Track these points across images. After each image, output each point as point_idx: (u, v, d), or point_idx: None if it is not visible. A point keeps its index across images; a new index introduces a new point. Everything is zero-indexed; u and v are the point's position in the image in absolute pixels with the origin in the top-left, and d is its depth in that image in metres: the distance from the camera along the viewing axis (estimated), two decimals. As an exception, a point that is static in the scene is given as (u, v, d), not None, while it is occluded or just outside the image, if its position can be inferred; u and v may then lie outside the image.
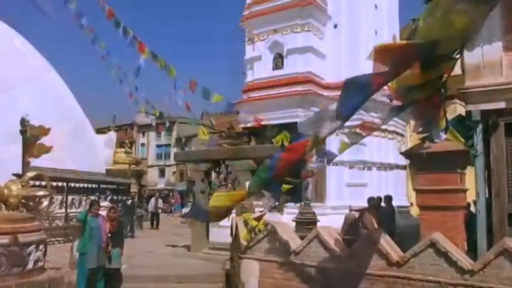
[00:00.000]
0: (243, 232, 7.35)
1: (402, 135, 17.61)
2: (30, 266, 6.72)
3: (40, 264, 6.98)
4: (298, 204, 12.13)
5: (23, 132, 11.55)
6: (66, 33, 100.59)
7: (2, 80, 15.40)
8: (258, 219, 7.21)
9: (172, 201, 43.23)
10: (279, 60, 15.97)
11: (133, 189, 21.57)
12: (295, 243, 6.94)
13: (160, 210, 21.65)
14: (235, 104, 14.55)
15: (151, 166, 50.35)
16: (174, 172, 50.66)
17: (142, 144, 53.92)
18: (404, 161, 14.89)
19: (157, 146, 53.17)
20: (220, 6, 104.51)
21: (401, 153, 14.29)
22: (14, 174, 11.66)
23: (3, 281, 6.23)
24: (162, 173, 52.16)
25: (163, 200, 45.16)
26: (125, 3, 58.31)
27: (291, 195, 13.22)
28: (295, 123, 14.24)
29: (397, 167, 16.19)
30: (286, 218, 10.90)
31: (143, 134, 54.33)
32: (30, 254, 6.77)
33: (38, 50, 20.57)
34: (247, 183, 6.58)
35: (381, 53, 3.73)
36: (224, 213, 6.30)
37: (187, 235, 15.96)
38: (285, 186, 7.05)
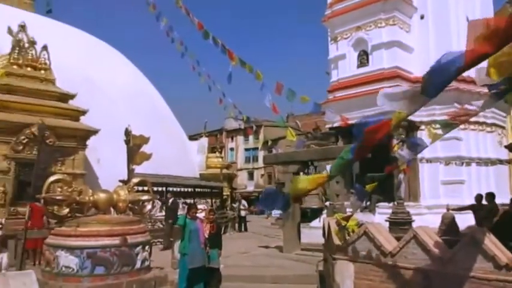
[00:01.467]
0: (335, 231, 7.21)
1: (503, 127, 16.02)
2: (138, 265, 7.25)
3: (146, 263, 7.52)
4: (390, 204, 11.63)
5: (127, 142, 12.61)
6: (158, 47, 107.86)
7: (106, 93, 16.91)
8: (347, 219, 7.04)
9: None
10: (363, 58, 15.48)
11: (226, 192, 22.33)
12: (391, 244, 6.62)
13: (245, 213, 22.07)
14: (321, 104, 14.40)
15: (241, 169, 51.77)
16: (262, 175, 51.58)
17: (232, 149, 55.70)
18: (506, 155, 13.56)
19: (246, 149, 54.59)
20: (303, 6, 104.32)
21: (505, 146, 12.96)
22: (120, 181, 12.76)
23: (116, 278, 6.81)
24: (251, 176, 53.40)
25: (252, 203, 46.35)
26: (205, 5, 60.85)
27: (383, 194, 12.75)
28: (383, 120, 13.73)
29: (500, 162, 14.77)
30: (378, 218, 10.49)
31: (232, 138, 56.14)
32: (138, 254, 7.30)
33: (132, 62, 22.40)
34: (328, 167, 6.45)
35: (476, 27, 3.42)
36: (302, 195, 6.24)
37: (278, 236, 16.11)
38: (370, 185, 6.78)
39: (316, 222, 12.69)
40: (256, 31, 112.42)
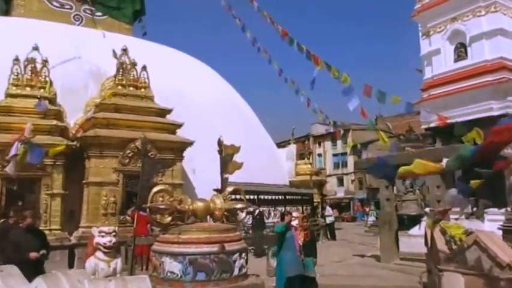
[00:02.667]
0: (439, 238, 6.69)
1: None
2: (236, 272, 7.36)
3: (244, 270, 7.61)
4: (502, 210, 10.53)
5: (220, 152, 13.08)
6: (244, 56, 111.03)
7: (198, 106, 17.75)
8: (452, 227, 6.49)
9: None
10: (461, 51, 14.36)
11: (316, 199, 22.07)
12: (507, 255, 5.96)
13: (332, 219, 21.55)
14: (415, 104, 13.62)
15: (330, 175, 50.90)
16: (352, 180, 50.20)
17: (319, 155, 55.08)
18: None
19: (334, 155, 53.59)
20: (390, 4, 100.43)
21: None
22: (214, 190, 13.25)
23: (216, 285, 6.96)
24: (340, 182, 52.27)
25: (343, 209, 45.30)
26: (286, 9, 61.23)
27: (492, 199, 11.59)
28: (488, 117, 12.54)
29: None
30: (489, 226, 9.55)
31: (319, 144, 55.55)
32: (235, 261, 7.42)
33: (221, 74, 23.33)
34: (444, 161, 6.01)
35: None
36: (410, 175, 6.05)
37: (373, 244, 15.47)
38: (475, 182, 6.20)
39: (416, 230, 11.94)
40: (340, 33, 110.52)
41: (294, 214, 8.68)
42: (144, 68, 13.83)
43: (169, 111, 14.07)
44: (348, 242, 18.82)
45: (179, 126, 13.81)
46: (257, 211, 15.36)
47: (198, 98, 18.18)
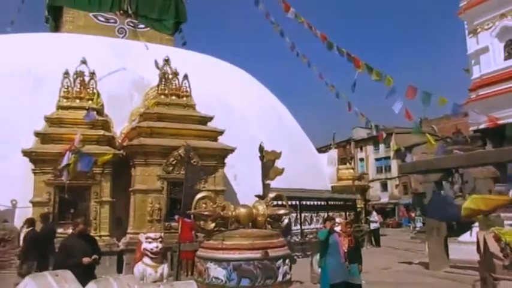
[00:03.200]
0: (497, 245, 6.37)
1: None
2: (280, 278, 7.29)
3: (288, 277, 7.54)
4: None
5: (261, 158, 13.14)
6: (283, 61, 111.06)
7: (239, 113, 17.95)
8: (507, 233, 6.16)
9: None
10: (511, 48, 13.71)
11: (359, 204, 21.64)
12: None
13: (377, 225, 21.01)
14: (463, 105, 13.11)
15: (373, 180, 49.77)
16: (397, 185, 48.85)
17: (361, 159, 54.04)
18: None
19: (376, 159, 52.42)
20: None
21: None
22: (256, 196, 13.29)
23: (260, 291, 6.97)
24: (384, 187, 51.00)
25: (388, 215, 44.06)
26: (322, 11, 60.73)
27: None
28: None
29: None
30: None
31: (361, 148, 54.54)
32: (279, 268, 7.36)
33: (260, 80, 23.50)
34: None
35: None
36: (475, 214, 5.62)
37: (421, 251, 14.97)
38: None
39: (467, 236, 11.44)
40: (378, 34, 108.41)
41: (337, 220, 8.55)
42: (185, 77, 14.15)
43: (210, 118, 14.30)
44: (394, 249, 18.30)
45: (220, 133, 13.99)
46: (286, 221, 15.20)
47: (238, 104, 18.40)
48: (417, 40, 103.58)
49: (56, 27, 23.90)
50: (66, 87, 13.45)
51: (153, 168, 12.70)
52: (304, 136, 22.91)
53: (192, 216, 7.71)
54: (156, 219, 12.41)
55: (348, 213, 18.29)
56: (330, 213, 15.88)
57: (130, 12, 22.95)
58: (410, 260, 13.96)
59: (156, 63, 14.32)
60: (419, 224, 26.19)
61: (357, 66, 13.38)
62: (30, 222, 10.57)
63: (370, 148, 53.10)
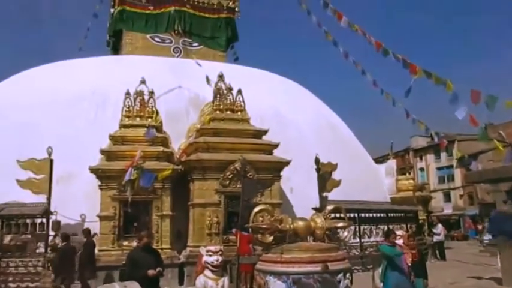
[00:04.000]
0: None
1: None
2: (340, 292, 7.19)
3: (349, 291, 7.41)
4: None
5: (317, 170, 13.07)
6: (335, 71, 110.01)
7: (293, 126, 17.98)
8: None
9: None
10: None
11: (421, 216, 20.75)
12: None
13: (441, 238, 19.93)
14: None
15: (435, 191, 47.51)
16: (461, 195, 46.30)
17: (421, 169, 51.85)
18: None
19: (438, 168, 50.02)
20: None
21: None
22: (313, 208, 13.21)
23: (323, 305, 6.88)
24: (447, 197, 48.51)
25: (452, 227, 41.74)
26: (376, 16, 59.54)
27: None
28: None
29: None
30: None
31: (420, 158, 52.38)
32: (340, 281, 7.24)
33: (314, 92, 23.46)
34: None
35: None
36: None
37: (492, 266, 14.09)
38: None
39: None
40: (433, 36, 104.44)
41: (399, 233, 8.29)
42: (239, 91, 14.47)
43: (265, 132, 14.46)
44: (461, 263, 17.30)
45: (275, 146, 14.08)
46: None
47: (292, 117, 18.49)
48: (477, 42, 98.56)
49: (117, 50, 25.53)
50: (127, 106, 14.20)
51: (210, 182, 13.01)
52: (360, 147, 22.47)
53: (249, 229, 7.81)
54: (214, 232, 12.66)
55: (409, 226, 17.59)
56: (391, 226, 15.40)
57: (184, 31, 24.02)
58: (480, 275, 13.14)
59: (207, 78, 14.77)
60: (488, 237, 24.59)
61: (414, 72, 13.01)
62: (64, 236, 11.33)
63: (430, 157, 50.86)
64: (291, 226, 7.98)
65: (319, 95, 23.52)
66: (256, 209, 7.85)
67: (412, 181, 22.66)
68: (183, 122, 16.53)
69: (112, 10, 25.01)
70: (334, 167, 14.68)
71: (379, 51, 14.33)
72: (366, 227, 16.33)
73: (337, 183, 14.84)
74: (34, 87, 17.76)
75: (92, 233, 12.28)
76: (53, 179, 12.81)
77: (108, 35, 26.32)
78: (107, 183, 12.77)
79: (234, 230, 12.03)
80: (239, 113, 14.44)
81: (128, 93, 14.22)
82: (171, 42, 24.00)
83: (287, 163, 13.73)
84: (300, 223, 8.17)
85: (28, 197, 12.59)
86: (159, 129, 14.23)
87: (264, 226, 7.79)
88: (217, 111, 14.33)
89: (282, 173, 13.86)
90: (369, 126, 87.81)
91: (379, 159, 29.50)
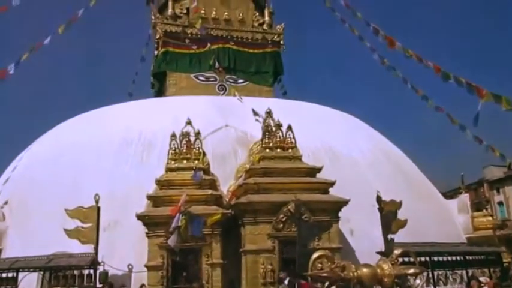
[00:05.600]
0: None
1: None
2: None
3: None
4: None
5: (380, 209, 12.62)
6: (394, 99, 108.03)
7: (349, 161, 17.68)
8: None
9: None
10: None
11: (505, 258, 19.28)
12: None
13: None
14: None
15: (520, 227, 44.28)
16: (554, 232, 42.86)
17: (500, 203, 48.78)
18: None
19: (520, 202, 46.92)
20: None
21: None
22: (377, 253, 12.67)
23: None
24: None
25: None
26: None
27: None
28: None
29: None
30: None
31: (497, 190, 49.43)
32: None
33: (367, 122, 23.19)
34: None
35: None
36: None
37: None
38: None
39: None
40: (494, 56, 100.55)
41: (482, 279, 7.71)
42: (289, 128, 14.51)
43: (319, 169, 14.27)
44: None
45: (331, 184, 13.82)
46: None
47: (347, 152, 18.28)
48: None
49: (161, 92, 26.74)
50: (173, 149, 14.59)
51: (262, 226, 12.87)
52: (426, 181, 21.60)
53: (308, 278, 7.59)
54: (269, 281, 12.37)
55: (492, 270, 16.37)
56: (470, 271, 14.42)
57: (228, 68, 24.84)
58: None
59: (254, 111, 14.91)
60: None
61: (481, 96, 12.55)
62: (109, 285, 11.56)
63: (509, 189, 47.87)
64: (355, 274, 7.67)
65: (376, 127, 23.24)
66: (315, 255, 7.63)
67: (490, 218, 21.31)
68: (231, 163, 16.74)
69: (156, 52, 26.42)
70: (398, 205, 14.14)
71: (438, 75, 14.03)
72: (440, 272, 15.43)
73: (403, 224, 14.24)
74: (83, 133, 18.91)
75: (141, 283, 12.41)
76: (100, 227, 13.16)
77: (152, 77, 27.65)
78: (154, 230, 12.95)
79: (282, 274, 11.62)
80: (290, 150, 14.42)
81: (173, 136, 14.66)
82: (215, 80, 24.86)
83: (345, 202, 13.37)
84: (365, 270, 7.84)
85: (76, 247, 13.02)
86: (206, 171, 14.44)
87: (325, 274, 7.54)
88: (267, 150, 14.40)
89: (340, 214, 13.49)
90: (434, 157, 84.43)
91: (449, 194, 28.11)
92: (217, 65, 23.92)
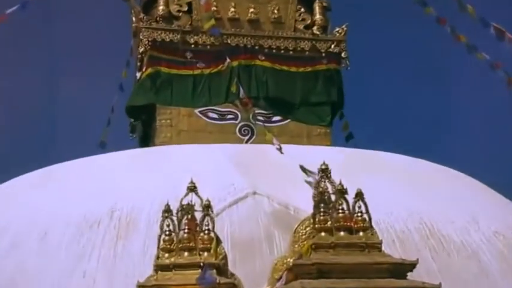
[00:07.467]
0: None
1: None
2: None
3: None
4: None
5: None
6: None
7: (465, 246, 17.02)
8: None
9: None
10: None
11: None
12: None
13: None
14: None
15: None
16: None
17: None
18: None
19: None
20: None
21: None
22: None
23: None
24: None
25: None
26: None
27: None
28: None
29: None
30: None
31: None
32: None
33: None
34: None
35: None
36: None
37: None
38: None
39: None
40: None
41: None
42: (358, 195, 13.93)
43: (411, 265, 13.55)
44: None
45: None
46: None
47: (461, 234, 17.66)
48: None
49: (146, 138, 26.12)
50: (167, 233, 14.14)
51: None
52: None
53: None
54: None
55: None
56: None
57: (256, 98, 24.13)
58: None
59: (302, 167, 14.39)
60: None
61: None
62: None
63: None
64: None
65: (502, 189, 22.59)
66: None
67: None
68: (263, 254, 16.24)
69: (138, 75, 25.78)
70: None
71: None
72: None
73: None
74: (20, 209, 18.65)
75: None
76: None
77: (128, 115, 26.71)
78: None
79: None
80: (362, 233, 13.80)
81: (167, 211, 14.30)
82: (235, 118, 24.39)
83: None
84: None
85: None
86: (221, 269, 13.95)
87: None
88: (322, 233, 13.85)
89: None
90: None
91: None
92: (241, 93, 23.05)
